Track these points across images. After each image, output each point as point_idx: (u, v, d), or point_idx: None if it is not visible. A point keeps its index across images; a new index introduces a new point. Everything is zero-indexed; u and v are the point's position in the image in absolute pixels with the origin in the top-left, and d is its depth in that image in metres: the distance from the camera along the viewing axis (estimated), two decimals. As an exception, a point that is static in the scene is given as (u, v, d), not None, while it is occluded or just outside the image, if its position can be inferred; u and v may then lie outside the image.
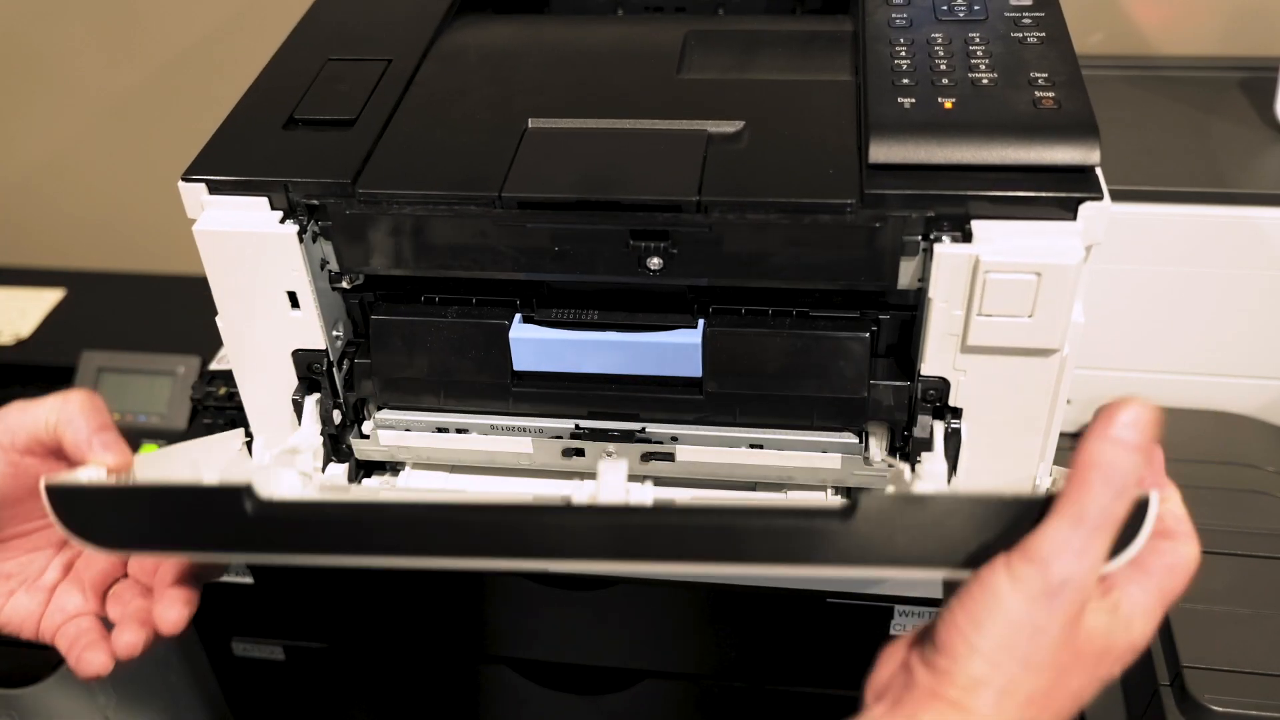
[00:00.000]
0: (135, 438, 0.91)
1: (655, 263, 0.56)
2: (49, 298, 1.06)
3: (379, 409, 0.66)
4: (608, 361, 0.61)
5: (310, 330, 0.61)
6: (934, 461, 0.60)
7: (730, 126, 0.58)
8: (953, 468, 0.61)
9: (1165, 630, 0.62)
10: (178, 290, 1.03)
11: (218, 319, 0.62)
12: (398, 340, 0.62)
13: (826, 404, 0.60)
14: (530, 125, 0.60)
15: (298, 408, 0.64)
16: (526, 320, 0.61)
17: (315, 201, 0.58)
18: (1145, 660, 0.62)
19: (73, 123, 1.21)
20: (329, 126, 0.61)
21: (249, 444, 0.66)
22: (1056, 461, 0.60)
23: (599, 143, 0.59)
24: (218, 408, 0.81)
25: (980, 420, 0.59)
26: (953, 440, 0.59)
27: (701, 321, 0.60)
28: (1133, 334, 0.78)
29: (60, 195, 1.27)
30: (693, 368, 0.60)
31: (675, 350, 0.60)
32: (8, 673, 0.79)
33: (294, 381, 0.63)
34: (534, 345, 0.61)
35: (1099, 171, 0.53)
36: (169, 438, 0.91)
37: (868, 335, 0.58)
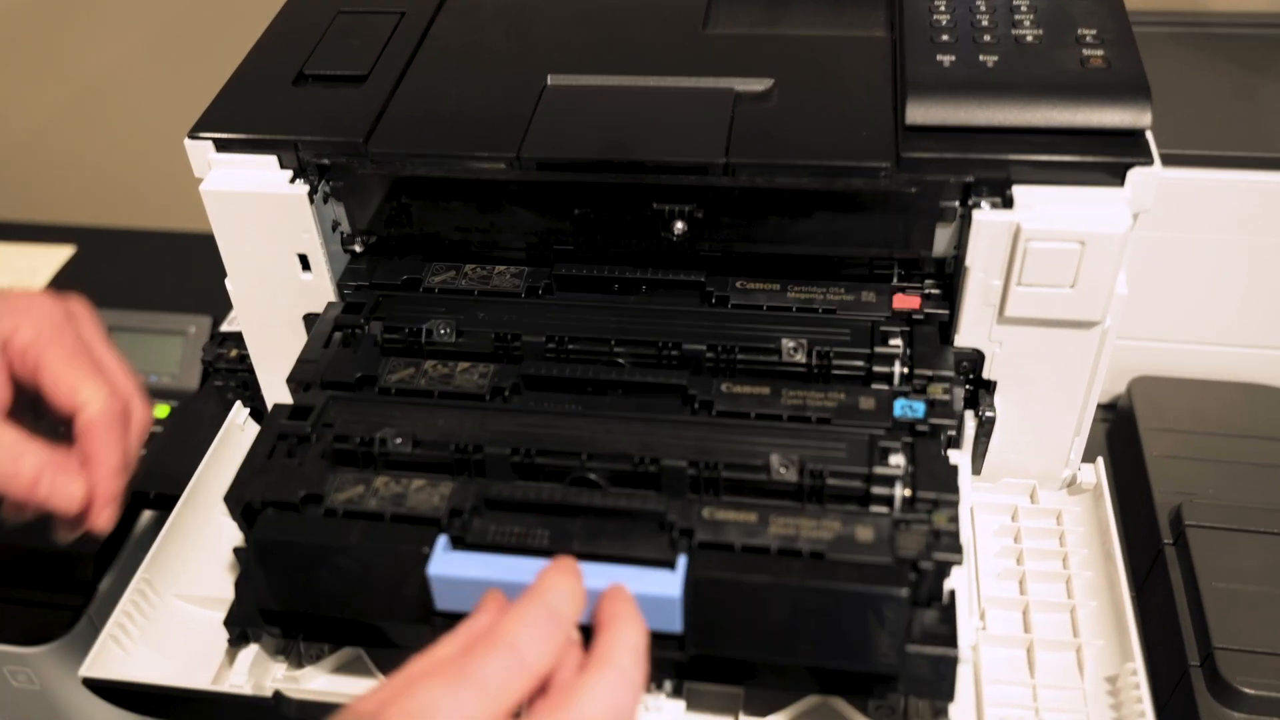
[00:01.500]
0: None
1: (680, 227, 0.55)
2: (59, 254, 1.05)
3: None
4: None
5: (322, 293, 0.60)
6: (960, 461, 0.57)
7: (759, 84, 0.56)
8: (980, 461, 0.59)
9: (1197, 611, 0.60)
10: (190, 248, 1.01)
11: (227, 281, 0.61)
12: (284, 570, 0.48)
13: (846, 676, 0.47)
14: (550, 82, 0.58)
15: None
16: (456, 543, 0.46)
17: (326, 161, 0.56)
18: (1175, 641, 0.60)
19: (82, 77, 1.20)
20: (340, 82, 0.60)
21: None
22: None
23: (621, 101, 0.57)
24: (229, 369, 0.80)
25: (1015, 393, 0.57)
26: (985, 429, 0.57)
27: (682, 560, 0.45)
28: (1170, 303, 0.76)
29: (71, 150, 1.26)
30: (672, 623, 0.45)
31: (648, 604, 0.44)
32: (22, 631, 0.79)
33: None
34: (460, 586, 0.45)
35: (1149, 135, 0.51)
36: (180, 398, 0.90)
37: (905, 592, 0.44)
